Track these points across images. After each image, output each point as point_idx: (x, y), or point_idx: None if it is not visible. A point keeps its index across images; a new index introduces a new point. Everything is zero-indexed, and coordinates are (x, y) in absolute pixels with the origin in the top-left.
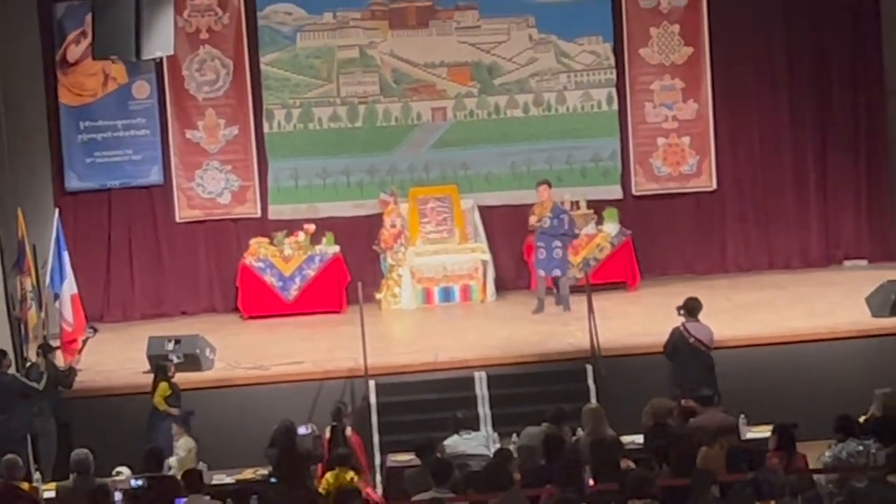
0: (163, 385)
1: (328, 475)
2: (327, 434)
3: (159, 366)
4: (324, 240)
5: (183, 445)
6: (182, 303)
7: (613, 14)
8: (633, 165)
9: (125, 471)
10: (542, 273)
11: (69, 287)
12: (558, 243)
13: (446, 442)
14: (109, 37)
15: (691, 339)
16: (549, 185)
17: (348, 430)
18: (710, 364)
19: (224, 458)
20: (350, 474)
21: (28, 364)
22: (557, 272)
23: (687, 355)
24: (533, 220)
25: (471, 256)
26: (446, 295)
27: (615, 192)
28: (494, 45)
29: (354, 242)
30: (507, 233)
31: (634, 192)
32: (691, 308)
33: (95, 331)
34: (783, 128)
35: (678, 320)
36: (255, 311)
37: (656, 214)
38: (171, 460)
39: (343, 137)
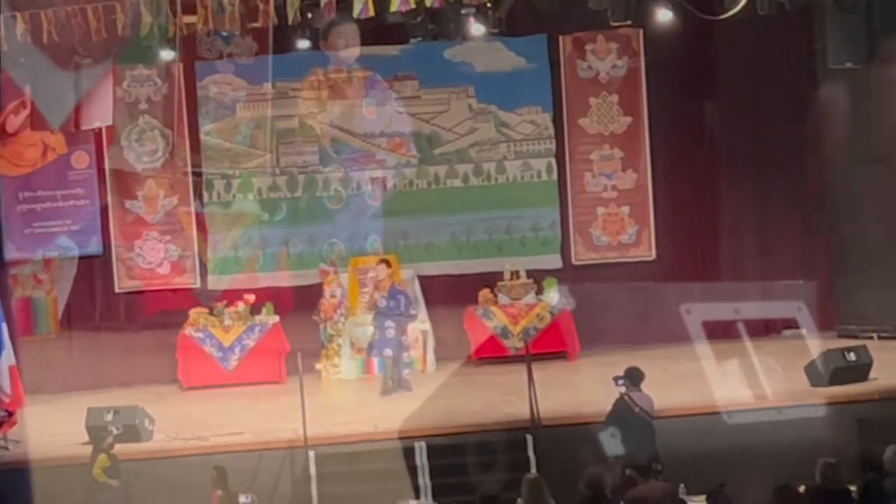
0: (101, 457)
1: None
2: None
3: (98, 437)
4: (263, 310)
5: None
6: (121, 373)
7: (553, 84)
8: (573, 235)
9: None
10: (375, 354)
11: (7, 358)
12: (391, 323)
13: None
14: (49, 107)
15: (637, 409)
16: (389, 265)
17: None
18: (652, 433)
19: None
20: None
21: None
22: (388, 352)
23: (632, 425)
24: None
25: (410, 326)
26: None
27: (555, 262)
28: (434, 115)
29: (294, 312)
30: (447, 303)
31: (574, 261)
32: (634, 377)
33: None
34: (722, 197)
35: (618, 390)
36: (194, 381)
37: (596, 284)
38: None
39: (283, 207)
